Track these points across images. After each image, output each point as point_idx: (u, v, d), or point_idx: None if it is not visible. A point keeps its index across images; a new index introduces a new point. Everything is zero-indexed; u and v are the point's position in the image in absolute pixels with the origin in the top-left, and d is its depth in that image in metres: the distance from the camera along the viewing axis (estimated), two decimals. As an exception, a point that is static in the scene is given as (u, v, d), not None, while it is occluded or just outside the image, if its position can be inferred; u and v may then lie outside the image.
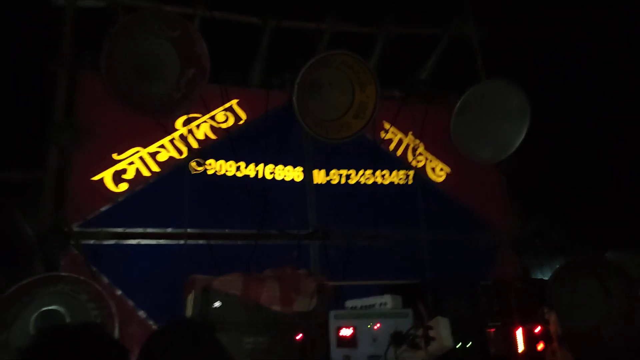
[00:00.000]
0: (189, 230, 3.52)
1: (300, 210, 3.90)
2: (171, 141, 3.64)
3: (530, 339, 2.85)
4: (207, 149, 3.76)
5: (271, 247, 3.70)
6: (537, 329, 2.87)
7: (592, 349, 3.37)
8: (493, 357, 2.80)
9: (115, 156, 3.47)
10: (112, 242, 3.34)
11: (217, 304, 2.49)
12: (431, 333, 2.61)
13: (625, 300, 3.40)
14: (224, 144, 3.81)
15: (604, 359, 3.33)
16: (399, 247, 3.94)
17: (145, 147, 3.55)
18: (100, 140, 3.44)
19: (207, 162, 3.73)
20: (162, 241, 3.48)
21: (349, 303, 2.96)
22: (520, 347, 2.82)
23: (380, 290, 2.92)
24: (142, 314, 3.16)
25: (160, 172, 3.58)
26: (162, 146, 3.59)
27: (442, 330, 2.56)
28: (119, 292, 3.16)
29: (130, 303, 3.17)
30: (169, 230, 3.51)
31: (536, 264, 4.35)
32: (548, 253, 3.86)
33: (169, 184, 3.59)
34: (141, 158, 3.54)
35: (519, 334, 2.84)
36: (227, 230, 3.63)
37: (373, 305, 2.87)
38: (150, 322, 3.15)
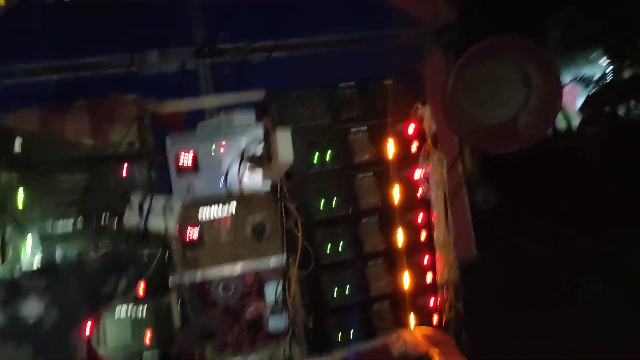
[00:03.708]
0: (55, 63, 3.14)
1: (183, 25, 3.41)
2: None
3: (402, 140, 2.49)
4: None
5: (151, 75, 3.32)
6: (410, 129, 2.49)
7: (504, 141, 3.00)
8: (361, 165, 2.49)
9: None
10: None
11: (17, 143, 2.21)
12: (273, 148, 2.30)
13: (544, 87, 2.92)
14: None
15: (516, 149, 2.97)
16: (303, 55, 3.48)
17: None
18: None
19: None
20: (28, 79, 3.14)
21: (200, 125, 2.65)
22: (390, 150, 2.48)
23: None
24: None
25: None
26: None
27: (280, 144, 2.24)
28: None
29: None
30: (32, 65, 3.14)
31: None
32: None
33: (23, 17, 3.15)
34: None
35: (389, 135, 2.47)
36: (96, 59, 3.24)
37: (220, 125, 2.55)
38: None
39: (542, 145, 3.09)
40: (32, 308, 1.25)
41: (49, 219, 2.23)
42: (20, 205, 2.22)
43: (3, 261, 2.17)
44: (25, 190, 2.22)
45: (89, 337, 2.23)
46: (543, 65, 2.96)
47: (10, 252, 2.18)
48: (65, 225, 2.25)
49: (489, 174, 3.46)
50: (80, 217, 2.26)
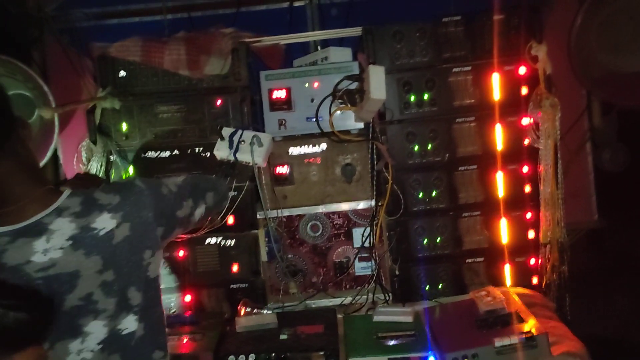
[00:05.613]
0: (169, 4, 3.24)
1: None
2: None
3: (510, 82, 2.25)
4: None
5: (259, 13, 3.31)
6: (520, 70, 2.23)
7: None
8: (462, 109, 2.29)
9: None
10: (90, 23, 3.22)
11: (121, 73, 2.31)
12: (365, 85, 2.19)
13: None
14: None
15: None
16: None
17: None
18: None
19: None
20: (145, 18, 3.28)
21: (297, 62, 2.60)
22: (496, 94, 2.25)
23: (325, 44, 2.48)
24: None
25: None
26: None
27: (372, 80, 2.13)
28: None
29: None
30: (149, 5, 3.27)
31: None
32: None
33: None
34: None
35: (495, 78, 2.24)
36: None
37: (315, 62, 2.48)
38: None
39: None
40: (103, 221, 1.28)
41: (146, 146, 2.34)
42: (122, 131, 2.34)
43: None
44: (126, 118, 2.33)
45: (181, 260, 2.36)
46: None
47: (113, 175, 2.33)
48: (160, 153, 2.35)
49: (620, 132, 3.05)
50: (174, 146, 2.35)
